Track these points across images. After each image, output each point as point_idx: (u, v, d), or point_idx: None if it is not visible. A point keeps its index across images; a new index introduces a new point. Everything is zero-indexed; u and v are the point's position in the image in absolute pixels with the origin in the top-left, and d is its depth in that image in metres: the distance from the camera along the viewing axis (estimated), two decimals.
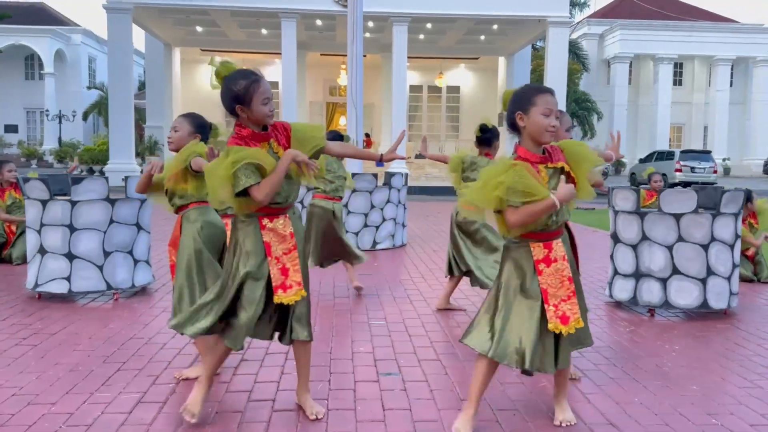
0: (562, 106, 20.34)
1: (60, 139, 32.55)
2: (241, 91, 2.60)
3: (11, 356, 3.65)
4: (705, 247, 4.70)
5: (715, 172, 24.05)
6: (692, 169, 23.54)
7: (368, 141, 26.27)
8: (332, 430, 2.76)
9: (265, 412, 2.92)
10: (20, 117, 36.45)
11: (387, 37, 21.38)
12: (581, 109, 32.11)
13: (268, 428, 2.75)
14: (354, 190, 7.59)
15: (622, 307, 5.09)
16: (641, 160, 27.52)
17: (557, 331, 2.60)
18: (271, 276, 2.69)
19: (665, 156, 25.17)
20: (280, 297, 2.69)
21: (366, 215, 7.64)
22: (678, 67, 37.19)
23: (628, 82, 35.96)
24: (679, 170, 23.55)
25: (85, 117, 35.48)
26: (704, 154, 24.82)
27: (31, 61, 36.09)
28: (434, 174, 23.19)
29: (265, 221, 2.71)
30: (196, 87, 25.89)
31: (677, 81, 37.32)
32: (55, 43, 34.81)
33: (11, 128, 35.91)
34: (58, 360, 3.59)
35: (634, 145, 35.82)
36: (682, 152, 24.68)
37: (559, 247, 2.63)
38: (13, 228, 6.56)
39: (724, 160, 33.44)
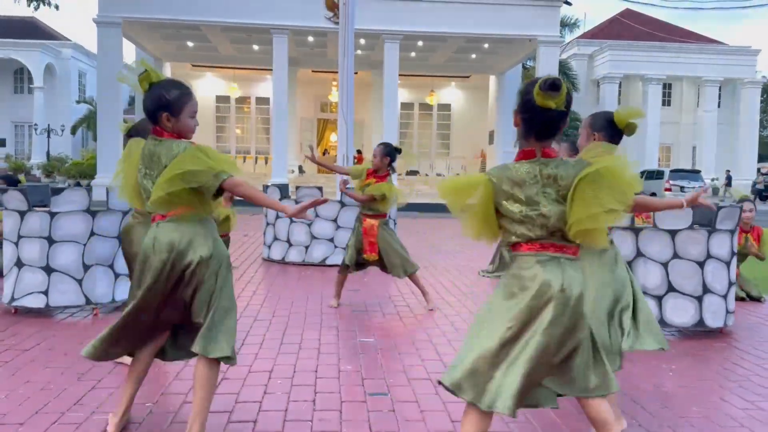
0: None
1: (48, 153, 32.26)
2: (172, 100, 2.56)
3: None
4: (701, 264, 4.60)
5: (705, 191, 24.15)
6: (682, 188, 23.63)
7: (359, 157, 26.23)
8: None
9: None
10: (8, 131, 36.15)
11: (378, 54, 21.41)
12: (570, 128, 32.22)
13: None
14: (343, 205, 7.48)
15: None
16: None
17: None
18: None
19: (655, 175, 25.28)
20: None
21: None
22: (667, 88, 37.51)
23: (618, 102, 36.14)
24: (669, 189, 23.65)
25: (73, 131, 35.24)
26: (693, 174, 24.97)
27: (20, 75, 35.87)
28: (424, 191, 23.10)
29: None
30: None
31: (666, 101, 37.61)
32: (45, 57, 34.63)
33: None
34: (29, 378, 3.42)
35: None
36: (672, 171, 24.82)
37: None
38: None
39: (712, 180, 33.62)
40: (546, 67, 20.06)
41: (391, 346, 4.21)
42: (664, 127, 35.61)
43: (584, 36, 38.92)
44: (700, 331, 4.76)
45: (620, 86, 36.28)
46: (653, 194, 23.84)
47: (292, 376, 3.55)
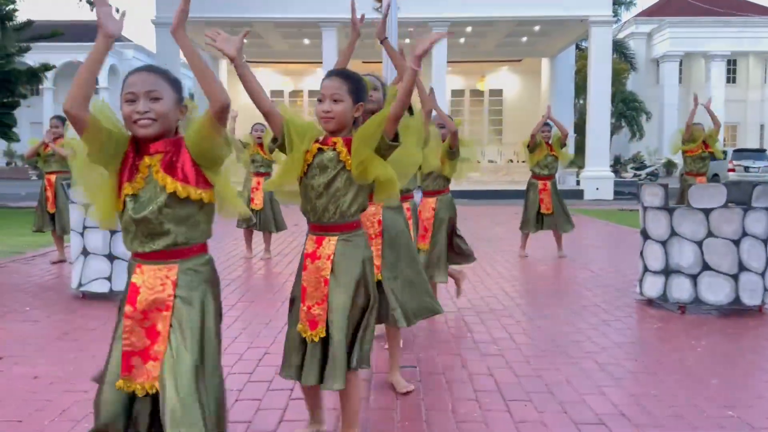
0: (607, 105, 20.00)
1: None
2: None
3: (53, 349, 3.89)
4: (736, 243, 4.61)
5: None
6: (746, 168, 22.75)
7: None
8: None
9: (283, 400, 3.04)
10: None
11: None
12: (629, 110, 31.45)
13: (284, 415, 2.87)
14: None
15: (653, 305, 5.02)
16: None
17: (304, 335, 2.34)
18: None
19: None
20: None
21: None
22: (731, 65, 36.04)
23: (679, 81, 35.03)
24: (732, 170, 22.79)
25: None
26: (758, 153, 23.96)
27: None
28: (475, 178, 23.07)
29: None
30: (243, 98, 26.33)
31: (731, 78, 36.15)
32: (109, 58, 36.16)
33: None
34: (94, 353, 3.78)
35: None
36: (735, 151, 23.88)
37: (329, 245, 2.36)
38: (52, 180, 6.64)
39: None
40: (599, 48, 19.66)
41: (424, 325, 4.40)
42: (729, 106, 34.25)
43: (642, 14, 37.79)
44: (738, 310, 4.76)
45: (681, 64, 35.12)
46: (716, 175, 23.04)
47: None
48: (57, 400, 3.04)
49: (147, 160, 1.90)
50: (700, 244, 4.66)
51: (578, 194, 19.57)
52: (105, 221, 2.03)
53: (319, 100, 2.39)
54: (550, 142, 7.17)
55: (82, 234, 5.21)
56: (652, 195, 4.95)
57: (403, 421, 2.80)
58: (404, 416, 2.85)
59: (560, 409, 2.93)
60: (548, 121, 7.20)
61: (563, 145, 7.18)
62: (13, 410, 2.92)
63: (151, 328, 1.87)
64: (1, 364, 3.60)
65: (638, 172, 30.24)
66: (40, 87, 34.78)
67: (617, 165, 33.44)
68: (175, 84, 1.97)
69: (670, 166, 32.08)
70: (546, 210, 7.13)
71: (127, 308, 1.89)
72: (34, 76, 14.04)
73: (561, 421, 2.81)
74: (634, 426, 2.76)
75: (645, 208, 5.04)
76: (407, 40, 20.72)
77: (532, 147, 7.20)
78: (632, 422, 2.79)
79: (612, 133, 28.79)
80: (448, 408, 2.94)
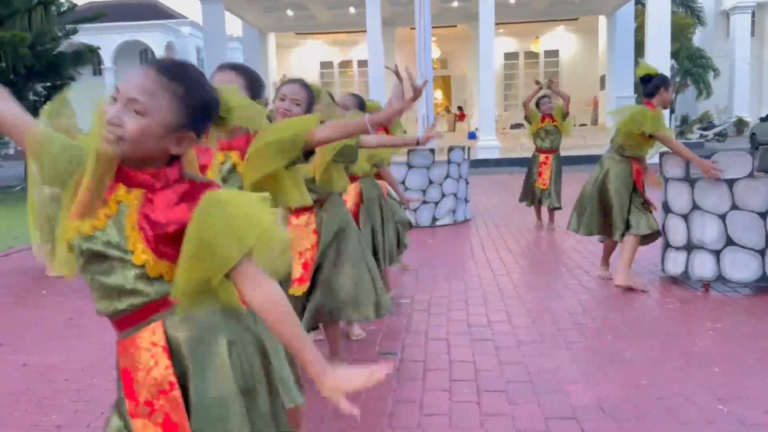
0: (666, 64, 18.93)
1: None
2: None
3: (55, 336, 3.98)
4: (763, 215, 4.25)
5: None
6: None
7: (461, 115, 25.85)
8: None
9: None
10: None
11: (475, 5, 20.80)
12: (696, 67, 29.70)
13: None
14: (410, 167, 7.50)
15: (677, 283, 4.72)
16: (762, 119, 25.10)
17: None
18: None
19: None
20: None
21: (424, 191, 7.50)
22: None
23: (751, 34, 32.80)
24: None
25: None
26: None
27: (145, 55, 38.52)
28: (529, 144, 22.45)
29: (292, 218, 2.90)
30: (290, 71, 26.54)
31: None
32: (166, 36, 36.96)
33: None
34: (93, 340, 3.85)
35: (758, 103, 32.75)
36: None
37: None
38: None
39: None
40: (656, 3, 18.56)
41: (425, 307, 4.29)
42: None
43: None
44: (765, 287, 4.41)
45: (753, 16, 32.83)
46: None
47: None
48: (36, 389, 3.10)
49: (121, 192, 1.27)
50: (723, 217, 4.33)
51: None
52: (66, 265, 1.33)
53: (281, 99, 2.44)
54: (552, 113, 6.98)
55: None
56: (673, 166, 4.62)
57: (367, 415, 2.71)
58: (370, 409, 2.76)
59: (535, 402, 2.77)
60: (548, 93, 7.12)
61: (566, 114, 6.90)
62: None
63: (165, 422, 1.27)
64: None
65: (705, 133, 28.66)
66: (101, 67, 35.96)
67: (683, 125, 31.82)
68: (186, 97, 1.26)
69: (740, 124, 30.29)
70: (542, 185, 6.99)
71: (130, 406, 1.30)
72: (80, 58, 14.43)
73: (531, 414, 2.66)
74: (611, 420, 2.58)
75: (667, 180, 4.72)
76: (455, 3, 20.06)
77: (528, 118, 7.12)
78: (609, 416, 2.61)
79: (677, 92, 27.38)
80: (417, 400, 2.84)
